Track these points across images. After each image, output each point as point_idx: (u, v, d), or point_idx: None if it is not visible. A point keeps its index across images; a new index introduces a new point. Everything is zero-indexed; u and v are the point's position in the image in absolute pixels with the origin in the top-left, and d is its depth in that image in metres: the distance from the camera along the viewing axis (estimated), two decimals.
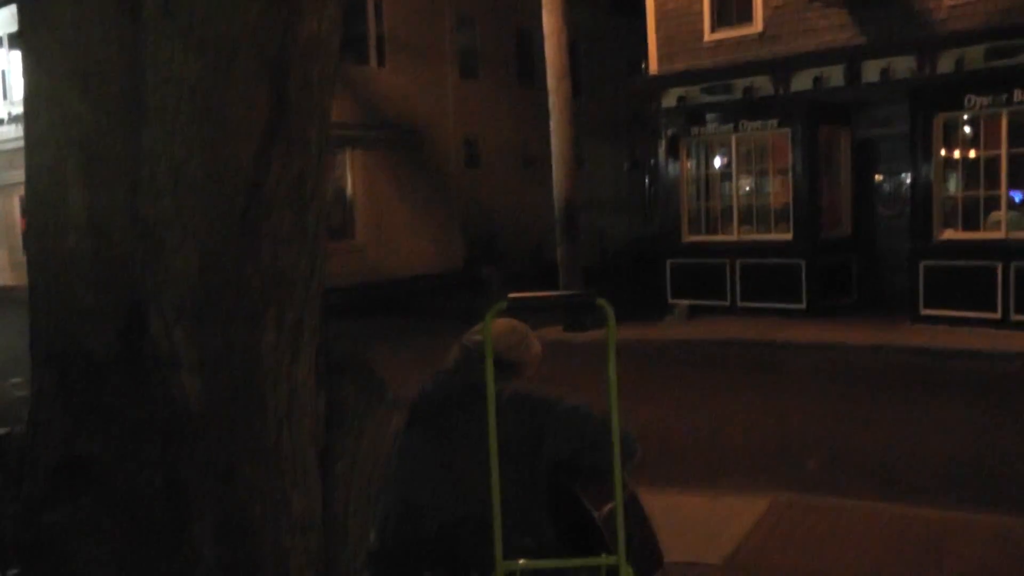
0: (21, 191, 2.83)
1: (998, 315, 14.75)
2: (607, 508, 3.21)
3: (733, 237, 18.15)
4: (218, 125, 2.37)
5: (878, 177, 18.27)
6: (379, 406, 2.69)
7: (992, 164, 15.00)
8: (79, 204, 2.42)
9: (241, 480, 2.44)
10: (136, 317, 2.41)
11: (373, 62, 26.10)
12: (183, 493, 2.39)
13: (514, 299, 2.92)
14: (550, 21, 17.21)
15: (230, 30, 2.35)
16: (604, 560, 2.99)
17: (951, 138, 15.63)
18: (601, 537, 3.19)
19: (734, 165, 18.27)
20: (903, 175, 17.40)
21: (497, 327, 3.73)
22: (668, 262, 18.94)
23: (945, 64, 15.20)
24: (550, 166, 17.95)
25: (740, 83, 17.67)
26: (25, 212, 2.56)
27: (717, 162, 18.73)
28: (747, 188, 18.33)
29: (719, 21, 18.02)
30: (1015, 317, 14.55)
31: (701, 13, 18.14)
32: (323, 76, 2.53)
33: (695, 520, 6.59)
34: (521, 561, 2.99)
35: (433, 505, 3.46)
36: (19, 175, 2.56)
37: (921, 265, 15.60)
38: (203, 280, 2.38)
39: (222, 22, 2.34)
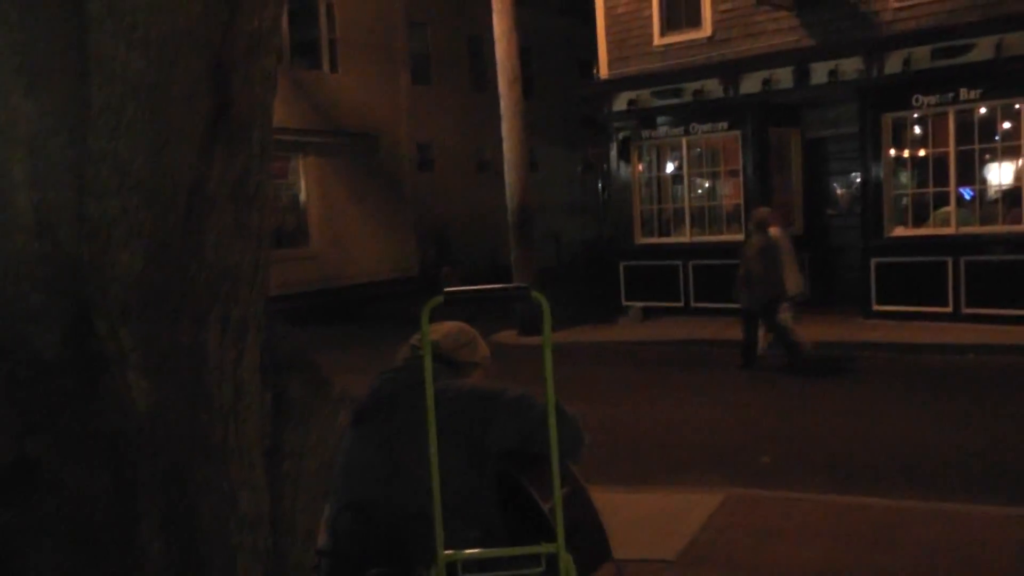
0: None
1: (949, 309, 15.02)
2: None
3: (686, 239, 18.30)
4: (162, 124, 2.37)
5: (829, 178, 18.49)
6: (325, 403, 2.70)
7: (940, 162, 15.28)
8: (27, 205, 2.40)
9: (188, 478, 2.45)
10: (83, 317, 2.40)
11: (326, 66, 26.05)
12: (130, 492, 2.39)
13: (450, 292, 2.95)
14: (500, 24, 17.26)
15: (174, 28, 2.34)
16: (543, 548, 2.99)
17: (900, 137, 15.88)
18: (549, 527, 3.21)
19: (685, 168, 18.44)
20: (853, 174, 17.62)
21: (445, 327, 3.79)
22: (621, 264, 19.09)
23: (892, 64, 15.43)
24: (503, 170, 17.99)
25: (690, 86, 17.84)
26: None
27: (669, 165, 18.88)
28: (699, 190, 18.50)
29: (668, 25, 18.19)
30: (966, 311, 14.81)
31: (651, 17, 18.31)
32: (264, 74, 2.54)
33: (648, 516, 6.64)
34: (465, 552, 3.00)
35: (383, 502, 3.47)
36: None
37: (873, 262, 15.83)
38: (148, 279, 2.38)
39: (166, 20, 2.34)
